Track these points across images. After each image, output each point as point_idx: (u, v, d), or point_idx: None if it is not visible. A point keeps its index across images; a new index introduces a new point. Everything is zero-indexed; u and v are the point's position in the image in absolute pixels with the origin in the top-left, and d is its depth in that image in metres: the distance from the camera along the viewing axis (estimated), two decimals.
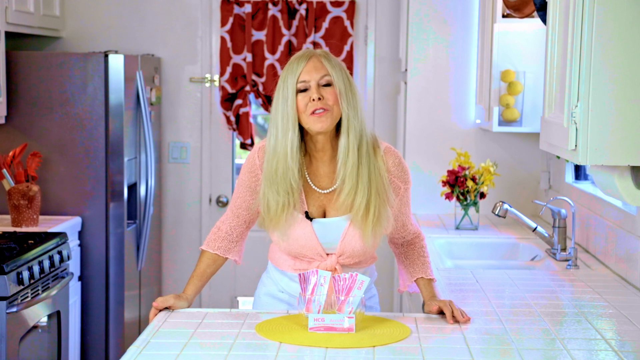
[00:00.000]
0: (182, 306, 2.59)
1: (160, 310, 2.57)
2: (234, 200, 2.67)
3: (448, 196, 4.24)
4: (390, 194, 2.55)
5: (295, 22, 5.17)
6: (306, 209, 2.56)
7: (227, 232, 2.68)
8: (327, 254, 2.58)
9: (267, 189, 2.52)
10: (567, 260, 3.42)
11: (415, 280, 2.65)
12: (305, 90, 2.48)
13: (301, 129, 2.51)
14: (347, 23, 5.17)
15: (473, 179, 4.19)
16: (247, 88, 5.23)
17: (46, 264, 3.77)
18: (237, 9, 5.20)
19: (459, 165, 4.22)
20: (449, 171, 4.22)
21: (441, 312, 2.53)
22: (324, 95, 2.46)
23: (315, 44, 5.15)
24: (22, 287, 3.55)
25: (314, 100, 2.45)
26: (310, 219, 2.56)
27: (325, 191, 2.57)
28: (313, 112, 2.46)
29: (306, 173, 2.57)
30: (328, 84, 2.48)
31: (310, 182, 2.57)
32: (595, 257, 3.52)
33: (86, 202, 4.54)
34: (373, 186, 2.51)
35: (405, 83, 4.80)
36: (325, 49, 2.52)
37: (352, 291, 2.40)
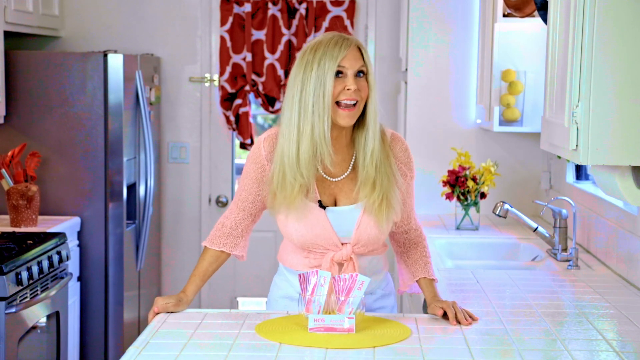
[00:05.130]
0: (182, 309, 2.58)
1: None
2: (238, 193, 2.63)
3: (448, 196, 4.24)
4: (398, 177, 2.55)
5: (295, 22, 5.16)
6: (319, 198, 2.54)
7: (232, 227, 2.63)
8: (342, 244, 2.56)
9: (287, 171, 2.46)
10: (568, 260, 3.41)
11: (417, 281, 2.63)
12: (339, 74, 2.45)
13: None
14: (347, 22, 5.16)
15: (474, 179, 4.18)
16: (247, 88, 5.23)
17: (45, 264, 3.76)
18: (236, 9, 5.19)
19: (460, 165, 4.21)
20: (449, 171, 4.21)
21: (445, 314, 2.51)
22: (358, 86, 2.45)
23: None
24: (21, 287, 3.54)
25: (349, 89, 2.43)
26: (324, 208, 2.54)
27: (336, 179, 2.55)
28: (344, 105, 2.43)
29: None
30: (362, 75, 2.46)
31: (321, 171, 2.54)
32: (596, 258, 3.52)
33: (85, 202, 4.53)
34: (384, 173, 2.50)
35: (406, 83, 4.79)
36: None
37: (352, 292, 2.39)
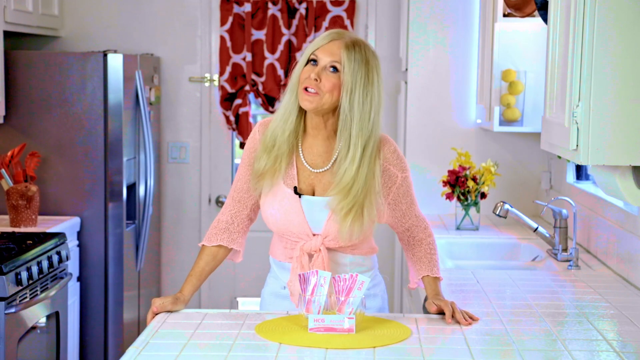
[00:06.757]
0: (180, 309, 2.58)
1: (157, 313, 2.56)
2: (234, 184, 2.64)
3: (449, 196, 4.23)
4: (378, 184, 2.52)
5: (295, 22, 5.16)
6: (296, 185, 2.54)
7: (228, 221, 2.63)
8: (314, 234, 2.56)
9: (261, 153, 2.54)
10: (568, 260, 3.41)
11: (421, 278, 2.63)
12: (313, 62, 2.48)
13: None
14: (347, 22, 5.16)
15: (474, 179, 4.18)
16: (247, 88, 5.22)
17: (45, 264, 3.76)
18: (236, 8, 5.19)
19: (460, 165, 4.21)
20: (449, 171, 4.21)
21: (441, 312, 2.51)
22: (322, 78, 2.45)
23: None
24: (20, 287, 3.53)
25: (310, 77, 2.46)
26: (299, 195, 2.54)
27: (316, 170, 2.57)
28: (305, 89, 2.46)
29: (300, 150, 2.56)
30: (334, 71, 2.46)
31: (304, 160, 2.56)
32: (597, 258, 3.51)
33: (85, 202, 4.53)
34: (366, 189, 2.49)
35: (406, 82, 4.78)
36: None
37: (352, 292, 2.39)
